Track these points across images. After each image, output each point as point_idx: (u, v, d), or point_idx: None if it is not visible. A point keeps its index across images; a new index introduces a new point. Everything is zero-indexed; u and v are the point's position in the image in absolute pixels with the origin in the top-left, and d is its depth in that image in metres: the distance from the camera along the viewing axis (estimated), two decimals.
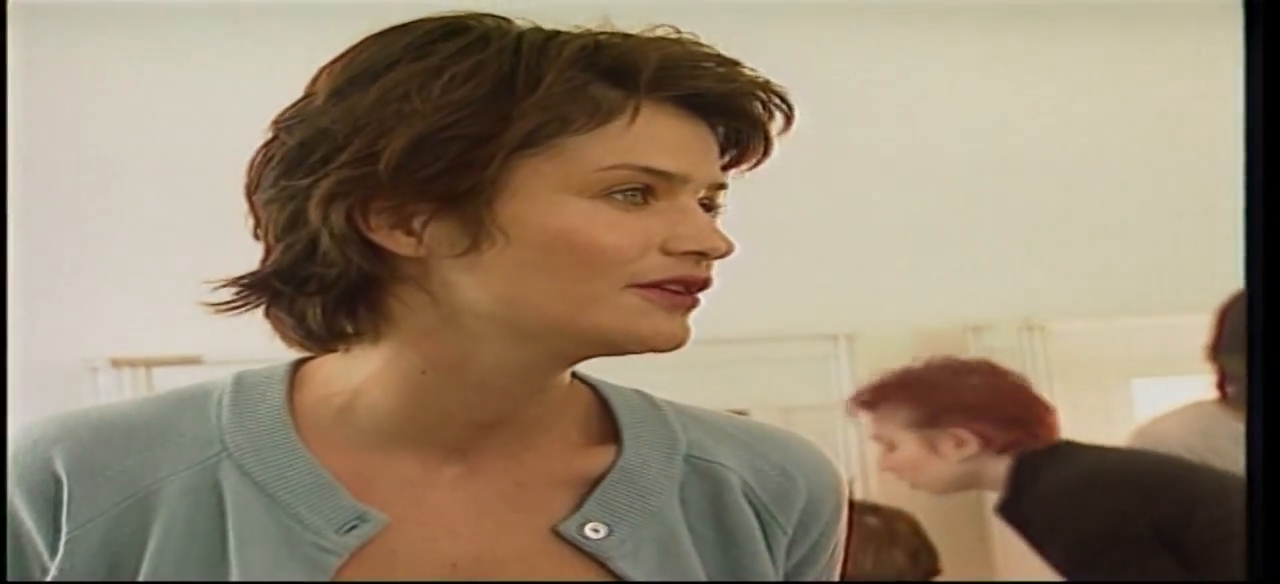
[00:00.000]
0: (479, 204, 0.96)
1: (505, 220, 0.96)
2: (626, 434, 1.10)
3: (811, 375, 3.75)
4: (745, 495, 1.11)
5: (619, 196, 0.98)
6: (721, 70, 1.00)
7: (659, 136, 0.98)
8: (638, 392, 1.13)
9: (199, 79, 3.25)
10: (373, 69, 0.98)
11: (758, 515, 1.11)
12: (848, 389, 3.70)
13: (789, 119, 1.04)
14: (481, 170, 0.95)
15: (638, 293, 0.99)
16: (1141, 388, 3.80)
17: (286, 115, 1.01)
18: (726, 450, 1.13)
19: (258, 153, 1.02)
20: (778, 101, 1.03)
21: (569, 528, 1.04)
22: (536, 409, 1.05)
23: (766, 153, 1.05)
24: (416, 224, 0.98)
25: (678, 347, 1.02)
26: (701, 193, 1.02)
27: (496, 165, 0.95)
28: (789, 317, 3.75)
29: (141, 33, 3.36)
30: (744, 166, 1.05)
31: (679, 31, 1.01)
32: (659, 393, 1.19)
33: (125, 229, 3.30)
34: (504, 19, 1.00)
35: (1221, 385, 2.42)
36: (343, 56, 1.01)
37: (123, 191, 3.31)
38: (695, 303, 1.02)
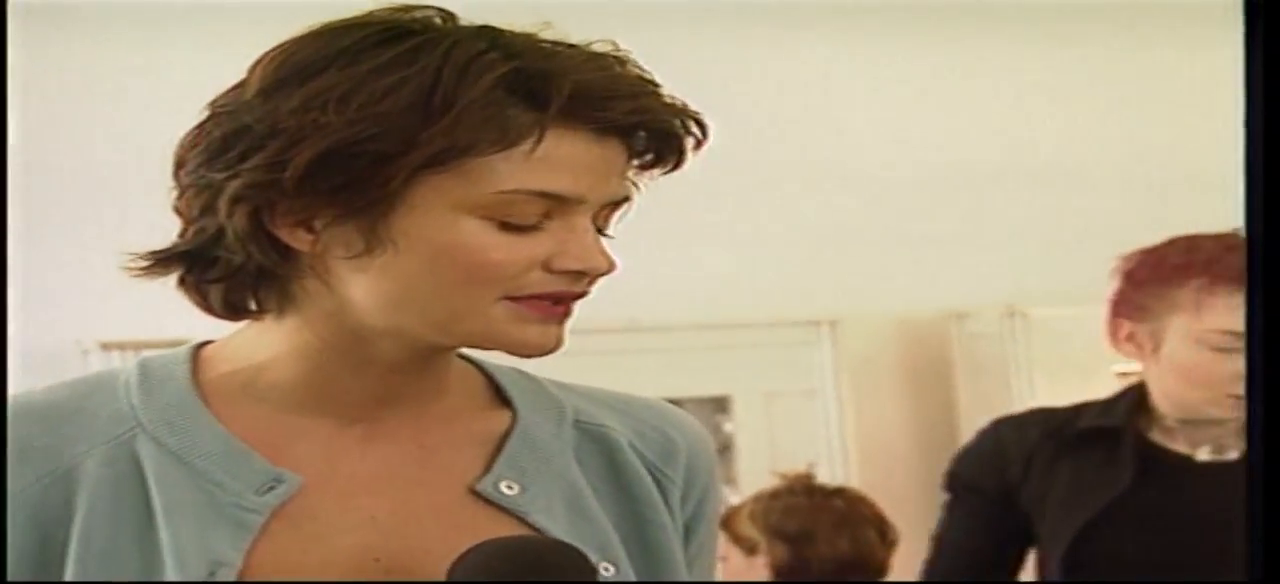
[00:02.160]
0: (376, 215, 1.00)
1: (398, 232, 1.00)
2: (517, 402, 1.14)
3: (794, 361, 3.77)
4: (635, 454, 1.16)
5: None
6: (635, 101, 1.03)
7: (562, 160, 1.01)
8: (517, 369, 1.16)
9: (187, 66, 3.26)
10: (302, 70, 1.00)
11: (650, 472, 1.15)
12: (830, 375, 3.72)
13: (701, 140, 1.06)
14: (383, 187, 0.99)
15: (510, 304, 1.03)
16: (1123, 375, 3.82)
17: (220, 101, 1.04)
18: (609, 416, 1.17)
19: (189, 133, 1.05)
20: (693, 125, 1.05)
21: (485, 486, 1.08)
22: (429, 381, 1.10)
23: (679, 164, 1.07)
24: (317, 225, 1.02)
25: (547, 353, 1.06)
26: (596, 208, 1.05)
27: (398, 182, 0.99)
28: (772, 303, 3.77)
29: (136, 28, 3.37)
30: (658, 172, 1.07)
31: (616, 47, 1.03)
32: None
33: (117, 214, 3.31)
34: (449, 19, 1.03)
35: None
36: (282, 48, 1.03)
37: (115, 177, 3.32)
38: (569, 312, 1.06)
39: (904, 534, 2.60)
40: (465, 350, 1.12)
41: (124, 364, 1.11)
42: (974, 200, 3.88)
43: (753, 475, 3.39)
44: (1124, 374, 3.85)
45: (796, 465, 2.73)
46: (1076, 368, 3.78)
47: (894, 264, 3.84)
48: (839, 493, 2.64)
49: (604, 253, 1.04)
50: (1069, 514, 2.13)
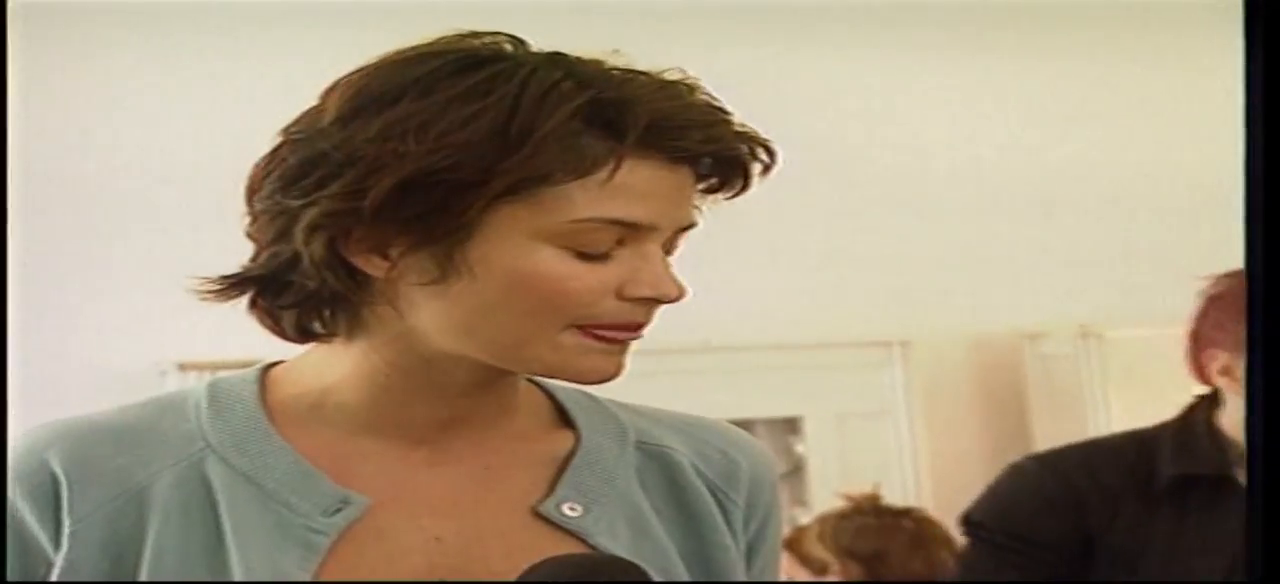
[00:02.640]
0: (452, 243, 1.01)
1: (474, 259, 1.01)
2: (581, 423, 1.15)
3: (866, 382, 3.75)
4: (697, 475, 1.16)
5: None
6: (709, 130, 1.03)
7: (637, 188, 1.01)
8: (579, 390, 1.17)
9: (249, 85, 3.30)
10: (380, 100, 1.01)
11: (712, 493, 1.15)
12: (902, 396, 3.70)
13: (769, 166, 1.07)
14: (460, 216, 0.99)
15: (578, 333, 1.03)
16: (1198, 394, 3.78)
17: (294, 127, 1.05)
18: (672, 437, 1.17)
19: (263, 159, 1.06)
20: (762, 151, 1.06)
21: (548, 507, 1.08)
22: (494, 404, 1.11)
23: (744, 189, 1.08)
24: (392, 252, 1.02)
25: (608, 381, 1.06)
26: (669, 235, 1.05)
27: (475, 212, 1.00)
28: (843, 324, 3.76)
29: (177, 39, 3.42)
30: (722, 196, 1.07)
31: (686, 74, 1.03)
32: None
33: (193, 236, 3.35)
34: (520, 47, 1.04)
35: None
36: (357, 75, 1.04)
37: (188, 196, 3.36)
38: (631, 340, 1.06)
39: None
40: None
41: (194, 385, 1.12)
42: (1048, 220, 3.86)
43: (824, 497, 3.38)
44: (1202, 396, 3.82)
45: (866, 486, 2.72)
46: (1152, 389, 3.73)
47: (966, 284, 3.82)
48: (907, 513, 2.64)
49: (675, 280, 1.04)
50: (1187, 570, 1.95)
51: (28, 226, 3.36)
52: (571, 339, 1.03)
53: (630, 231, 1.02)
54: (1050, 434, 3.74)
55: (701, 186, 1.07)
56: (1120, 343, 3.71)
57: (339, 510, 1.05)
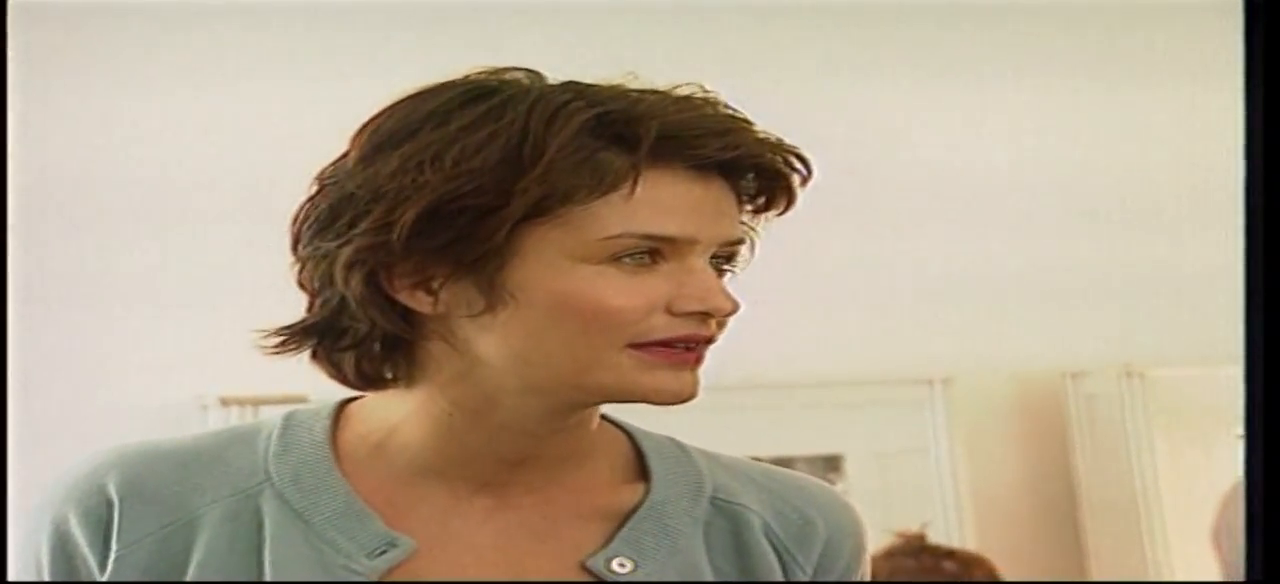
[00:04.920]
0: (491, 269, 1.01)
1: (515, 285, 1.02)
2: (656, 474, 1.14)
3: (906, 420, 3.74)
4: (766, 536, 1.15)
5: (626, 260, 1.03)
6: (727, 137, 1.03)
7: (664, 201, 1.02)
8: (669, 438, 1.17)
9: (292, 117, 3.32)
10: (396, 136, 1.03)
11: (778, 554, 1.15)
12: (944, 434, 3.68)
13: (806, 176, 1.06)
14: (489, 239, 1.00)
15: (637, 353, 1.03)
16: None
17: (326, 173, 1.07)
18: (750, 494, 1.17)
19: (300, 207, 1.09)
20: (793, 159, 1.06)
21: (597, 562, 1.08)
22: (563, 447, 1.10)
23: (790, 204, 1.08)
24: (435, 285, 1.03)
25: (682, 401, 1.05)
26: (713, 250, 1.05)
27: (504, 234, 1.01)
28: (884, 361, 3.74)
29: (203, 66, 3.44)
30: (772, 213, 1.07)
31: (704, 90, 1.04)
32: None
33: (235, 269, 3.37)
34: (535, 78, 1.05)
35: None
36: (375, 118, 1.06)
37: (232, 231, 3.38)
38: (700, 359, 1.06)
39: None
40: (618, 417, 1.13)
41: (273, 417, 1.13)
42: (1091, 257, 3.83)
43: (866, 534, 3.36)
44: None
45: (909, 525, 2.71)
46: (1197, 430, 3.71)
47: (1008, 321, 3.80)
48: (951, 554, 2.62)
49: (725, 292, 1.05)
50: None
51: (72, 255, 3.38)
52: (630, 359, 1.03)
53: (669, 246, 1.03)
54: (1093, 473, 3.72)
55: (749, 207, 1.07)
56: (1164, 382, 3.68)
57: (382, 553, 1.05)
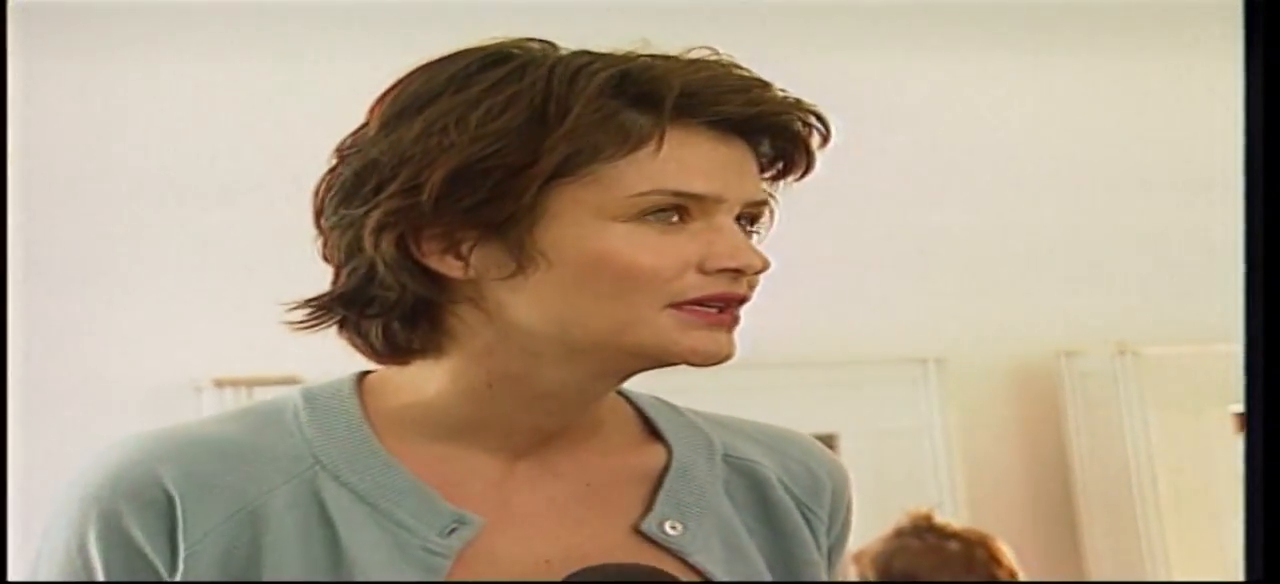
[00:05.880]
0: (520, 230, 1.01)
1: (546, 245, 1.01)
2: (670, 437, 1.15)
3: (901, 399, 3.74)
4: (785, 490, 1.16)
5: (654, 219, 1.02)
6: (748, 94, 1.04)
7: (689, 160, 1.02)
8: (659, 399, 1.17)
9: (283, 99, 3.32)
10: (417, 101, 1.03)
11: (799, 509, 1.16)
12: (938, 414, 3.69)
13: (825, 135, 1.07)
14: (518, 199, 1.00)
15: (675, 312, 1.02)
16: (1237, 413, 3.76)
17: (345, 144, 1.07)
18: (755, 450, 1.18)
19: (321, 180, 1.08)
20: (812, 119, 1.06)
21: (650, 526, 1.08)
22: (592, 414, 1.11)
23: (809, 167, 1.08)
24: (464, 249, 1.03)
25: (719, 361, 1.05)
26: (738, 210, 1.05)
27: (532, 194, 1.00)
28: (879, 341, 3.74)
29: (195, 40, 3.43)
30: (790, 178, 1.08)
31: (716, 53, 1.04)
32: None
33: (227, 250, 3.37)
34: (547, 45, 1.05)
35: None
36: (394, 87, 1.06)
37: (225, 212, 3.38)
38: (736, 319, 1.06)
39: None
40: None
41: (287, 397, 1.11)
42: (1085, 236, 3.83)
43: (860, 514, 3.37)
44: (1240, 414, 3.79)
45: (903, 503, 2.72)
46: (1190, 407, 3.72)
47: (1002, 301, 3.80)
48: (955, 535, 2.62)
49: (754, 250, 1.05)
50: None
51: (63, 238, 3.38)
52: (669, 318, 1.03)
53: (696, 204, 1.03)
54: (1087, 451, 3.73)
55: (768, 174, 1.08)
56: (1158, 360, 3.69)
57: (454, 531, 1.04)
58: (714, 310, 1.04)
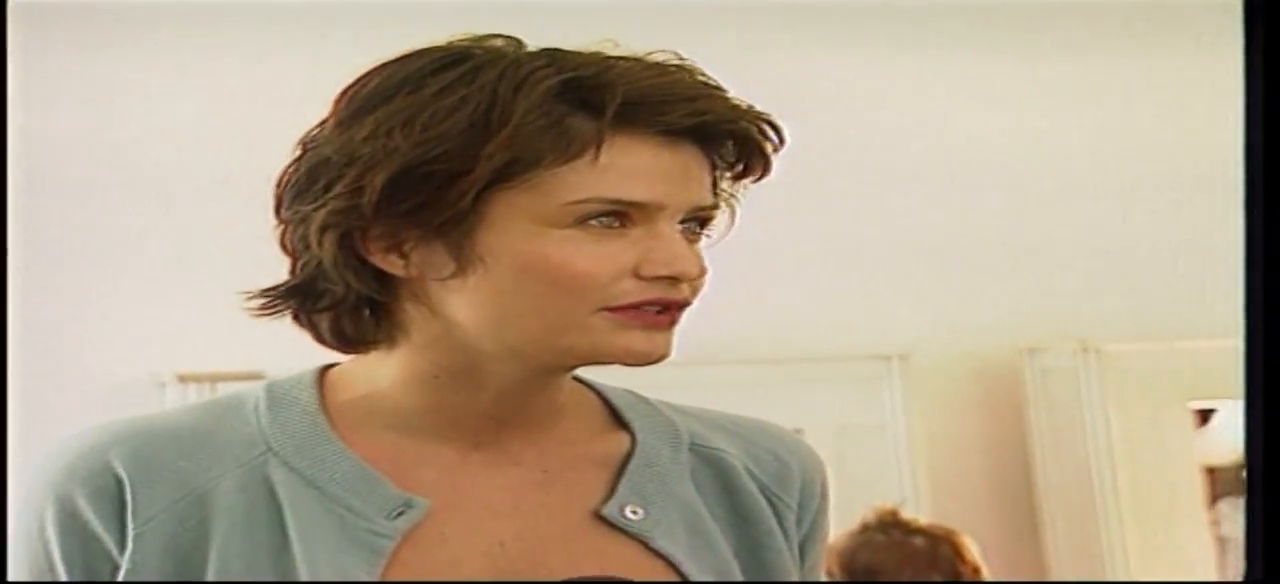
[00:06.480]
0: (460, 234, 1.02)
1: (484, 249, 1.03)
2: (634, 425, 1.16)
3: (864, 395, 3.75)
4: (751, 478, 1.17)
5: (594, 224, 1.03)
6: (694, 103, 1.04)
7: (630, 167, 1.03)
8: (628, 390, 1.18)
9: (248, 91, 3.30)
10: (372, 101, 1.05)
11: (765, 496, 1.17)
12: (901, 410, 3.70)
13: (778, 142, 1.08)
14: (455, 204, 1.01)
15: (610, 315, 1.04)
16: (1197, 410, 3.78)
17: (308, 137, 1.09)
18: (723, 439, 1.19)
19: (284, 171, 1.09)
20: (764, 126, 1.07)
21: (611, 510, 1.09)
22: (547, 403, 1.12)
23: (765, 170, 1.09)
24: (406, 248, 1.05)
25: (654, 361, 1.07)
26: (682, 215, 1.06)
27: (470, 199, 1.01)
28: (842, 337, 3.76)
29: (179, 39, 3.42)
30: (749, 180, 1.08)
31: (680, 58, 1.05)
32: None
33: (191, 246, 3.36)
34: (513, 44, 1.06)
35: None
36: (355, 83, 1.08)
37: (188, 209, 3.37)
38: (674, 320, 1.07)
39: None
40: (580, 372, 1.14)
41: (251, 389, 1.13)
42: (1047, 234, 3.85)
43: None
44: (1201, 411, 3.82)
45: (868, 500, 2.73)
46: (1151, 404, 3.74)
47: (965, 297, 3.82)
48: (921, 530, 2.63)
49: (693, 256, 1.06)
50: None
51: (26, 232, 3.37)
52: (602, 321, 1.04)
53: (636, 211, 1.04)
54: (1048, 447, 3.75)
55: (728, 174, 1.09)
56: (1120, 357, 3.72)
57: (401, 513, 1.06)
58: (652, 311, 1.05)
